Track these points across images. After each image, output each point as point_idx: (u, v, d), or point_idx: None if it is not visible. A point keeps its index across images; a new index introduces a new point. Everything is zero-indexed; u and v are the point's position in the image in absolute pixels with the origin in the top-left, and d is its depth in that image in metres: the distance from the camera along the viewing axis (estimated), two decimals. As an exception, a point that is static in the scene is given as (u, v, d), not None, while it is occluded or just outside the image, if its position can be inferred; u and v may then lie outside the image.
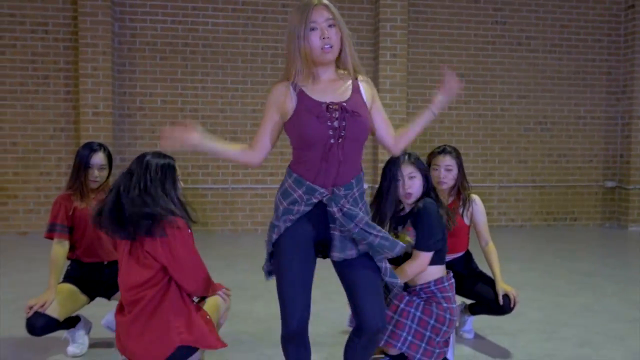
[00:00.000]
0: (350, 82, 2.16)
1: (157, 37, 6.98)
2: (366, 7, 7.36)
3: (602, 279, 4.75)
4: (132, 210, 2.26)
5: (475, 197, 3.16)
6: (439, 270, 2.61)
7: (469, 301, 3.27)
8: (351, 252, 2.09)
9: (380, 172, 2.67)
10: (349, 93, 2.13)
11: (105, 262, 3.04)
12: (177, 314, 2.31)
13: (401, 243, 2.13)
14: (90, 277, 3.01)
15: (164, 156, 2.43)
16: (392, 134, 2.28)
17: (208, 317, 2.42)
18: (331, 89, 2.12)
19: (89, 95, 6.63)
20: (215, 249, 6.02)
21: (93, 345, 3.07)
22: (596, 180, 8.00)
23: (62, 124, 6.87)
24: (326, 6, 2.08)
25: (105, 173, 3.01)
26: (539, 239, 6.93)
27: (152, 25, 6.96)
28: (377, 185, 2.65)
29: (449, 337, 2.61)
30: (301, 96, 2.09)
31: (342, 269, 2.15)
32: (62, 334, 3.02)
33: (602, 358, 2.97)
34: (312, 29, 2.05)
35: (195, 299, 2.52)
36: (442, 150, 3.15)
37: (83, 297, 2.99)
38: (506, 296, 2.99)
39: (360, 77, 2.20)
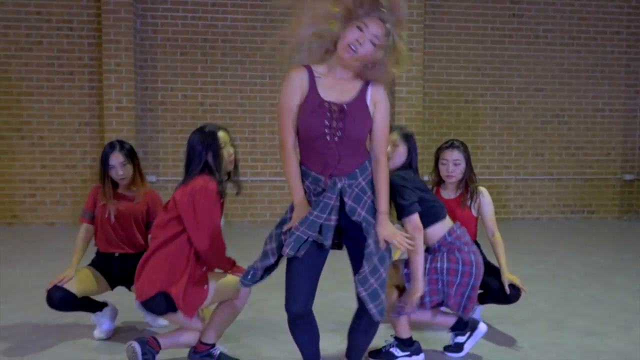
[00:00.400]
0: (360, 84, 2.21)
1: (178, 33, 7.15)
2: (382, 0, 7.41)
3: (614, 271, 4.80)
4: (185, 163, 2.66)
5: (482, 190, 3.26)
6: (446, 224, 2.76)
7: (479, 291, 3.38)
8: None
9: None
10: (353, 95, 2.19)
11: (117, 254, 3.19)
12: (174, 264, 2.54)
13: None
14: (104, 265, 3.18)
15: (215, 126, 2.72)
16: (381, 147, 2.25)
17: (206, 286, 2.58)
18: (339, 87, 2.19)
19: (113, 90, 6.84)
20: (233, 240, 6.18)
21: (118, 330, 3.25)
22: (614, 173, 7.99)
23: (87, 119, 7.09)
24: (387, 30, 2.10)
25: (128, 169, 3.13)
26: (554, 231, 6.97)
27: (173, 22, 7.13)
28: None
29: (477, 283, 2.73)
30: (312, 87, 2.17)
31: (351, 258, 2.29)
32: (90, 317, 3.20)
33: (606, 347, 3.04)
34: (358, 28, 2.09)
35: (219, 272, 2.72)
36: (450, 145, 3.25)
37: (103, 282, 3.15)
38: (512, 286, 3.09)
39: (373, 82, 2.22)
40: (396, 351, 2.84)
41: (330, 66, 2.20)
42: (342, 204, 2.20)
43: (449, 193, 3.29)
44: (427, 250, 2.77)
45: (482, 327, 2.91)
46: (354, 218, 2.20)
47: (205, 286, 2.61)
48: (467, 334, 2.89)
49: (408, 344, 2.84)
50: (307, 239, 2.15)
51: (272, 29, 7.28)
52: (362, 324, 2.30)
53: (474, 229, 3.29)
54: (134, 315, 3.46)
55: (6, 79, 6.94)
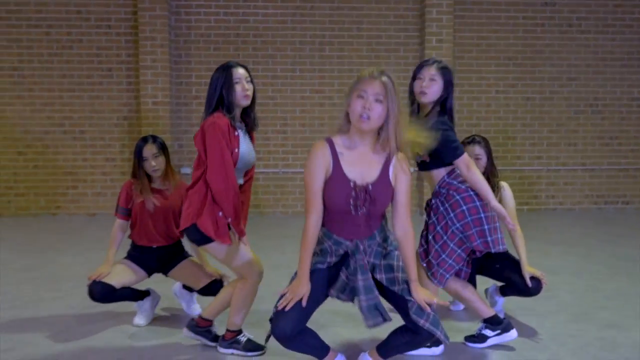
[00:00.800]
0: (384, 159, 2.34)
1: (211, 28, 7.34)
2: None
3: (643, 263, 4.79)
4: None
5: (504, 185, 3.33)
6: (444, 170, 2.84)
7: (499, 283, 3.46)
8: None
9: None
10: (377, 173, 2.32)
11: (154, 247, 3.38)
12: (200, 200, 2.66)
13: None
14: (143, 257, 3.37)
15: (236, 62, 2.78)
16: (400, 219, 2.38)
17: (221, 214, 2.65)
18: (363, 163, 2.32)
19: (149, 86, 7.08)
20: (265, 230, 6.38)
21: (157, 317, 3.45)
22: (650, 163, 7.86)
23: (125, 113, 7.37)
24: (382, 83, 2.23)
25: (161, 160, 3.29)
26: (586, 222, 6.92)
27: (206, 18, 7.32)
28: None
29: (489, 214, 2.81)
30: (336, 164, 2.30)
31: (389, 301, 2.44)
32: (131, 305, 3.42)
33: (626, 340, 3.08)
34: (359, 96, 2.24)
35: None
36: (472, 140, 3.32)
37: (140, 272, 3.35)
38: (533, 278, 3.15)
39: (398, 156, 2.35)
40: (487, 332, 2.96)
41: (350, 137, 2.33)
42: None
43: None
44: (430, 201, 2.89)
45: (513, 334, 2.98)
46: (377, 276, 2.37)
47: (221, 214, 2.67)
48: (497, 332, 2.97)
49: (496, 323, 2.95)
50: (375, 303, 2.31)
51: (301, 23, 7.39)
52: (411, 342, 2.37)
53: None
54: (171, 303, 3.67)
55: (49, 76, 7.27)
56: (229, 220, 2.66)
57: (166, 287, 3.79)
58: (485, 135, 7.47)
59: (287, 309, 2.26)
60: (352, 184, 2.28)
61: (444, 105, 2.83)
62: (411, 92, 2.88)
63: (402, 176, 2.35)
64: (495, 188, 3.31)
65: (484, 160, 3.30)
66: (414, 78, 2.85)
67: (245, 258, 2.76)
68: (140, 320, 3.33)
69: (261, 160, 7.49)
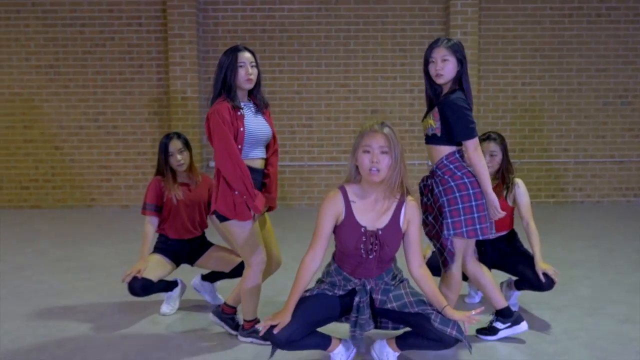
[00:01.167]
0: (395, 204, 2.48)
1: (238, 24, 7.48)
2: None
3: (667, 258, 4.75)
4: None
5: (518, 181, 3.37)
6: (449, 149, 2.83)
7: (515, 278, 3.52)
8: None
9: None
10: (387, 219, 2.46)
11: (185, 239, 3.55)
12: (216, 184, 2.81)
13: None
14: (175, 250, 3.55)
15: (242, 46, 2.85)
16: (415, 259, 2.53)
17: (237, 192, 2.75)
18: (374, 210, 2.47)
19: (178, 81, 7.28)
20: (291, 222, 6.53)
21: (182, 307, 3.63)
22: (682, 155, 7.70)
23: (156, 108, 7.60)
24: (385, 135, 2.38)
25: (186, 155, 3.45)
26: (614, 215, 6.85)
27: (233, 14, 7.47)
28: None
29: (480, 202, 2.82)
30: (348, 212, 2.46)
31: (402, 322, 2.57)
32: (159, 294, 3.61)
33: (639, 335, 3.12)
34: (365, 152, 2.39)
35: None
36: (487, 137, 3.37)
37: (171, 264, 3.54)
38: (545, 275, 3.21)
39: (408, 198, 2.49)
40: (498, 325, 3.05)
41: (362, 186, 2.48)
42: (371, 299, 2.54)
43: (486, 184, 3.43)
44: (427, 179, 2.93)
45: (524, 326, 3.05)
46: (388, 306, 2.51)
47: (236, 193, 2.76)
48: (508, 324, 3.05)
49: (507, 315, 3.03)
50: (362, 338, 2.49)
51: (326, 17, 7.47)
52: (435, 346, 2.48)
53: (510, 218, 3.42)
54: (196, 293, 3.84)
55: (84, 73, 7.54)
56: (245, 198, 2.75)
57: (190, 277, 3.97)
58: (511, 128, 7.52)
59: (261, 333, 2.40)
60: (363, 229, 2.43)
61: (460, 81, 2.85)
62: (428, 75, 2.90)
63: (414, 219, 2.50)
64: (509, 185, 3.36)
65: (499, 157, 3.35)
66: (427, 62, 2.87)
67: (251, 243, 2.85)
68: (167, 309, 3.51)
69: (287, 153, 7.63)
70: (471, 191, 2.79)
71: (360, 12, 7.47)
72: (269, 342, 2.93)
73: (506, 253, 3.44)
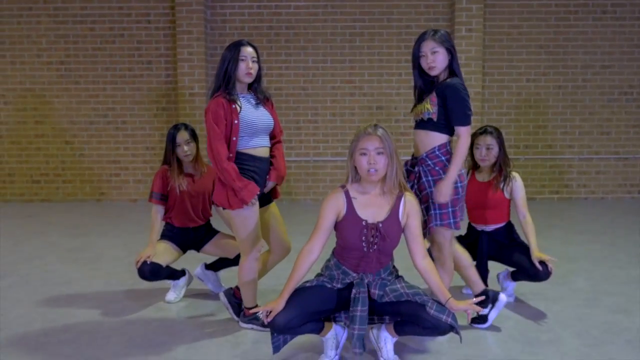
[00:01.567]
0: (394, 200, 2.58)
1: (245, 21, 7.58)
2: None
3: (666, 252, 4.79)
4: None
5: (515, 175, 3.45)
6: (442, 138, 2.90)
7: (512, 269, 3.59)
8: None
9: None
10: (386, 212, 2.56)
11: (191, 227, 3.66)
12: (216, 176, 2.95)
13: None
14: (181, 237, 3.65)
15: (246, 40, 2.96)
16: (418, 251, 2.60)
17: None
18: (374, 205, 2.57)
19: (186, 78, 7.40)
20: (296, 216, 6.62)
21: (187, 295, 3.74)
22: (687, 152, 7.71)
23: (164, 104, 7.72)
24: (379, 137, 2.50)
25: (192, 146, 3.55)
26: (617, 211, 6.88)
27: (240, 11, 7.57)
28: None
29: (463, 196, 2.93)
30: (349, 208, 2.56)
31: (398, 314, 2.63)
32: (164, 282, 3.72)
33: (632, 325, 3.18)
34: (362, 154, 2.50)
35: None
36: (484, 131, 3.45)
37: (177, 251, 3.64)
38: (542, 263, 3.28)
39: (407, 193, 2.59)
40: (484, 311, 3.13)
41: (362, 185, 2.59)
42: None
43: (483, 176, 3.51)
44: (415, 158, 2.99)
45: (503, 298, 3.13)
46: (385, 299, 2.59)
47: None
48: (490, 306, 3.14)
49: (485, 298, 3.09)
50: (363, 334, 2.54)
51: (332, 14, 7.55)
52: (430, 333, 2.54)
53: (506, 210, 3.49)
54: (200, 283, 3.95)
55: (94, 69, 7.68)
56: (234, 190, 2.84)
57: (196, 267, 4.08)
58: (516, 125, 7.57)
59: (266, 321, 2.47)
60: (364, 222, 2.54)
61: (451, 68, 2.92)
62: (418, 69, 2.97)
63: (412, 213, 2.59)
64: (506, 178, 3.43)
65: (495, 150, 3.42)
66: (417, 57, 2.93)
67: (250, 234, 2.94)
68: (172, 296, 3.62)
69: (293, 149, 7.72)
70: (459, 184, 2.88)
71: (366, 9, 7.55)
72: (268, 329, 3.04)
73: (503, 245, 3.52)
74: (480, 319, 3.16)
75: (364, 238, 2.53)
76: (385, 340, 2.73)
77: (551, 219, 6.25)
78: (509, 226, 3.56)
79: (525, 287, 3.75)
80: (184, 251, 3.71)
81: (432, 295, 2.65)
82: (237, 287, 3.23)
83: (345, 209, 2.57)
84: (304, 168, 7.78)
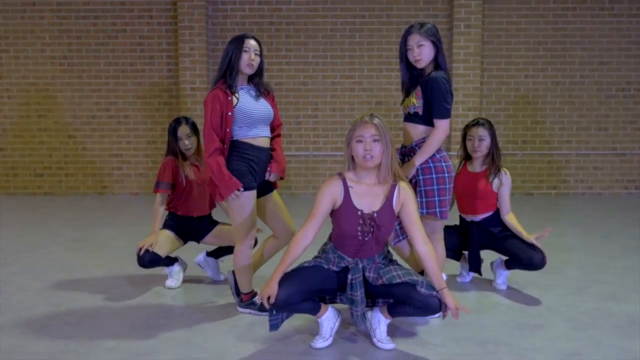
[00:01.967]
0: (388, 189, 2.64)
1: (246, 17, 7.66)
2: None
3: (660, 244, 4.86)
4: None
5: (506, 170, 3.53)
6: (429, 131, 2.96)
7: (505, 257, 3.66)
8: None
9: None
10: (381, 202, 2.63)
11: (195, 216, 3.74)
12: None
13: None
14: (183, 226, 3.73)
15: (249, 34, 3.03)
16: (418, 236, 2.64)
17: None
18: (369, 194, 2.64)
19: (187, 72, 7.48)
20: (296, 210, 6.69)
21: (186, 280, 3.83)
22: (684, 148, 7.77)
23: (165, 99, 7.81)
24: (375, 125, 2.57)
25: (193, 139, 3.64)
26: (613, 206, 6.94)
27: (241, 7, 7.65)
28: None
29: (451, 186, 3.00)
30: (346, 197, 2.63)
31: (390, 295, 2.71)
32: (162, 270, 3.80)
33: (620, 311, 3.25)
34: (359, 141, 2.58)
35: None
36: (476, 123, 3.53)
37: (178, 241, 3.73)
38: (537, 249, 3.34)
39: (400, 183, 2.65)
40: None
41: (358, 173, 2.67)
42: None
43: (474, 167, 3.59)
44: (403, 148, 3.05)
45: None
46: (378, 282, 2.66)
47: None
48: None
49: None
50: (364, 312, 2.66)
51: (332, 10, 7.63)
52: (421, 313, 2.61)
53: (494, 201, 3.56)
54: (198, 271, 4.03)
55: (97, 64, 7.77)
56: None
57: (192, 256, 4.16)
58: (514, 120, 7.64)
59: (266, 304, 2.55)
60: (359, 212, 2.61)
61: (437, 62, 2.99)
62: (405, 62, 3.05)
63: (408, 201, 2.65)
64: (496, 170, 3.51)
65: (487, 141, 3.50)
66: (406, 50, 3.01)
67: (242, 218, 3.02)
68: (172, 282, 3.70)
69: (293, 143, 7.80)
70: (446, 175, 2.95)
71: (366, 5, 7.62)
72: (265, 313, 3.13)
73: (494, 234, 3.58)
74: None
75: (359, 228, 2.60)
76: (379, 321, 2.81)
77: (548, 214, 6.32)
78: (498, 214, 3.63)
79: (518, 276, 3.82)
80: (185, 241, 3.78)
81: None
82: None
83: (342, 198, 2.63)
84: (304, 162, 7.86)
